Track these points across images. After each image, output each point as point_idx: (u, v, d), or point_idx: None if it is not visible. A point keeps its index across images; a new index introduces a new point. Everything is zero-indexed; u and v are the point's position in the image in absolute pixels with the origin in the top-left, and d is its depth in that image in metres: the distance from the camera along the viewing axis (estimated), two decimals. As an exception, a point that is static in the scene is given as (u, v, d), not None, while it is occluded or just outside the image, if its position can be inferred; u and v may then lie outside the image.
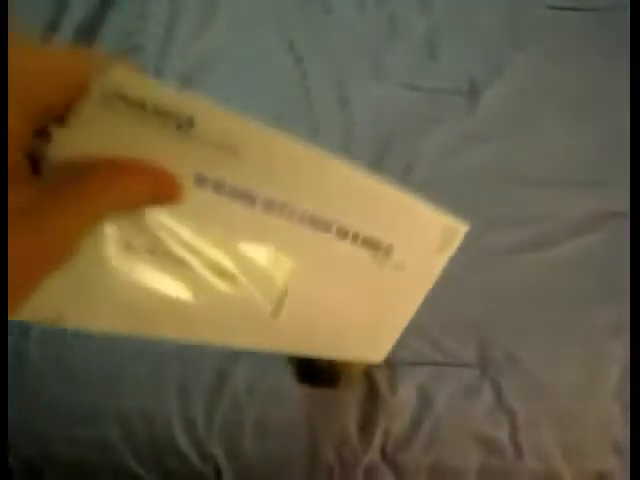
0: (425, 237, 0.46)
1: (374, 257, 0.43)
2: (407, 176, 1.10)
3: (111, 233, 0.31)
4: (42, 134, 0.26)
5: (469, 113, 1.19)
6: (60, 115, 0.26)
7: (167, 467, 0.92)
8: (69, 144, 0.27)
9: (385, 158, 1.11)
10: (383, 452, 0.91)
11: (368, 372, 0.93)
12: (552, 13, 1.32)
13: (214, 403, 0.92)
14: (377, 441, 0.90)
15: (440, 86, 1.22)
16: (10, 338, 0.93)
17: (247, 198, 0.34)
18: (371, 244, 0.42)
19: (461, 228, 0.48)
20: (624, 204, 0.99)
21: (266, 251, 0.38)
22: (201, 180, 0.32)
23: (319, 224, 0.38)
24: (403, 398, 0.92)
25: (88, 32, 1.28)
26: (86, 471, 0.94)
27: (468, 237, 1.04)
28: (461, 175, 1.11)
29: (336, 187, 0.38)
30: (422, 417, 0.91)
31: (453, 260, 1.02)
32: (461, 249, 1.03)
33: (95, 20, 1.29)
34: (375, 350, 0.53)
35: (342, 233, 0.40)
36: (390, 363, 0.94)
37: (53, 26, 1.24)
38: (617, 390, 0.90)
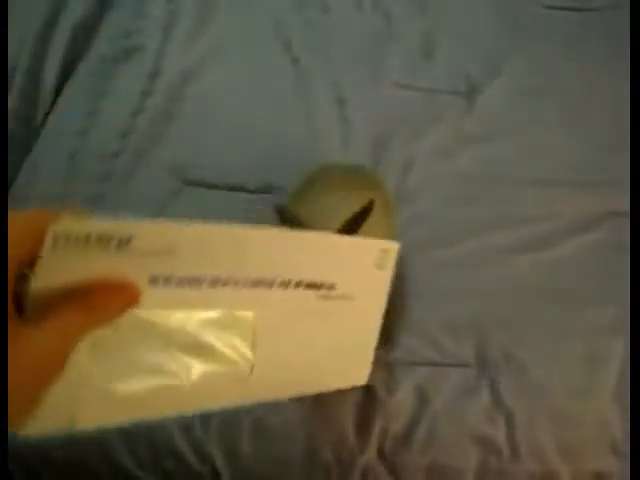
0: (362, 264, 0.51)
1: (319, 295, 0.48)
2: (405, 176, 1.09)
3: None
4: (22, 278, 0.34)
5: (467, 113, 1.18)
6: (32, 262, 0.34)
7: (165, 468, 0.92)
8: (42, 282, 0.34)
9: (383, 158, 1.10)
10: (380, 452, 0.90)
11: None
12: (550, 13, 1.32)
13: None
14: (374, 441, 0.90)
15: (437, 86, 1.22)
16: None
17: (195, 282, 0.40)
18: (313, 285, 0.47)
19: (393, 247, 0.52)
20: (624, 204, 0.99)
21: (227, 315, 0.44)
22: (153, 280, 0.38)
23: (262, 283, 0.44)
24: (400, 398, 0.91)
25: (86, 31, 1.28)
26: (84, 472, 0.94)
27: (467, 236, 1.04)
28: (459, 175, 1.11)
29: (265, 250, 0.44)
30: (419, 417, 0.90)
31: (451, 260, 1.02)
32: (459, 248, 1.03)
33: (93, 19, 1.30)
34: (355, 374, 0.58)
35: (285, 284, 0.45)
36: (387, 363, 0.93)
37: (52, 24, 1.24)
38: (616, 390, 0.89)
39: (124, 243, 0.37)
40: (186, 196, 1.08)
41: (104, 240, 0.36)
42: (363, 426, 0.90)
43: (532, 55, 1.25)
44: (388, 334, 0.96)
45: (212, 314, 0.44)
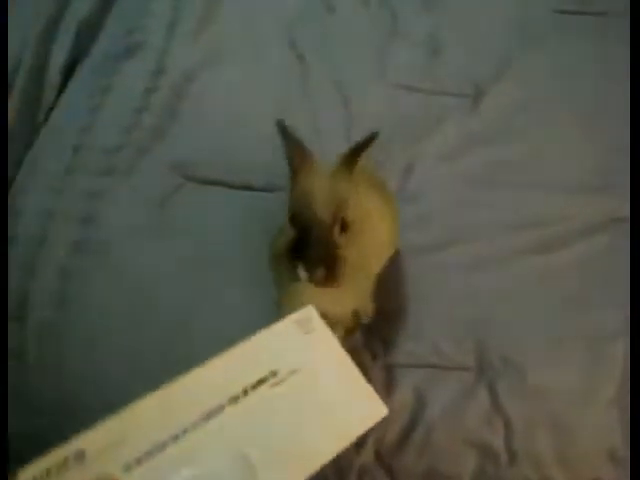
0: (289, 341, 0.61)
1: (270, 385, 0.58)
2: (407, 177, 1.08)
3: None
4: None
5: (473, 114, 1.17)
6: None
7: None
8: None
9: (386, 159, 1.09)
10: (377, 455, 0.89)
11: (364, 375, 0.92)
12: (560, 17, 1.31)
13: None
14: (371, 443, 0.89)
15: (442, 88, 1.21)
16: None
17: (160, 446, 0.50)
18: (259, 382, 0.58)
19: (308, 314, 0.63)
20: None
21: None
22: (126, 468, 0.48)
23: (213, 412, 0.55)
24: (399, 400, 0.90)
25: (90, 28, 1.27)
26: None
27: (470, 240, 1.03)
28: (464, 177, 1.09)
29: (197, 389, 0.56)
30: (417, 420, 0.89)
31: (453, 263, 1.01)
32: (461, 251, 1.02)
33: (97, 16, 1.29)
34: (369, 412, 0.61)
35: (235, 398, 0.56)
36: (386, 365, 0.92)
37: (56, 21, 1.23)
38: (616, 396, 0.88)
39: (80, 457, 0.46)
40: (187, 192, 1.07)
41: (63, 465, 0.44)
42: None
43: (542, 59, 1.24)
44: (387, 336, 0.95)
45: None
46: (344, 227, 0.70)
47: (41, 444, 0.93)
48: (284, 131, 0.74)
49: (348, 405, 0.60)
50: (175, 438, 0.52)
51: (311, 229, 0.68)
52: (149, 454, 0.50)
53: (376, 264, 0.84)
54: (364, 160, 0.72)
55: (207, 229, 1.03)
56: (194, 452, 0.53)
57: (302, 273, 0.69)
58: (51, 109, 1.18)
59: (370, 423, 0.60)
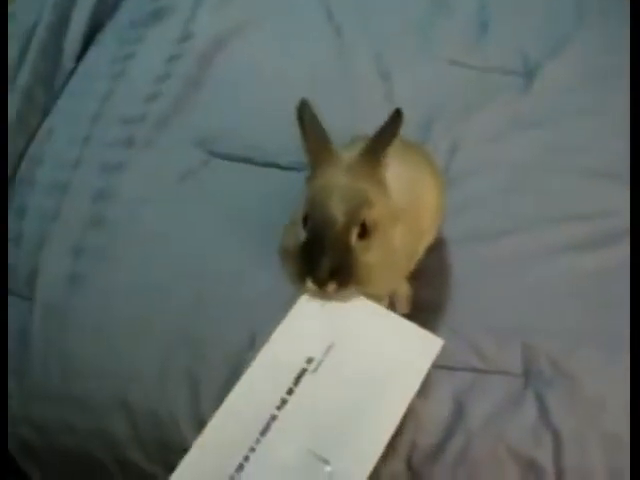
0: (312, 319, 0.60)
1: (312, 374, 0.58)
2: (451, 158, 0.98)
3: None
4: None
5: (524, 95, 1.06)
6: None
7: (174, 462, 0.84)
8: None
9: (429, 139, 0.98)
10: (409, 463, 0.80)
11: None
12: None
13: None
14: (402, 451, 0.79)
15: (492, 64, 1.09)
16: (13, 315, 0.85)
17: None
18: (299, 377, 0.57)
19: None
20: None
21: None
22: None
23: (267, 424, 0.56)
24: (435, 406, 0.81)
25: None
26: (87, 460, 0.85)
27: (516, 230, 0.92)
28: (512, 162, 0.98)
29: (251, 403, 0.58)
30: (454, 429, 0.79)
31: (497, 256, 0.90)
32: (507, 243, 0.91)
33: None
34: (427, 349, 0.59)
35: (282, 404, 0.57)
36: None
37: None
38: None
39: None
40: (213, 168, 0.98)
41: None
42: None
43: (597, 35, 1.12)
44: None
45: None
46: (365, 231, 0.59)
47: (42, 431, 0.88)
48: (304, 116, 0.63)
49: (400, 352, 0.57)
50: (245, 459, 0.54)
51: (323, 233, 0.58)
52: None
53: (419, 240, 0.74)
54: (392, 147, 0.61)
55: (230, 208, 0.94)
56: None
57: (310, 285, 0.58)
58: (70, 75, 1.09)
59: (430, 360, 0.58)
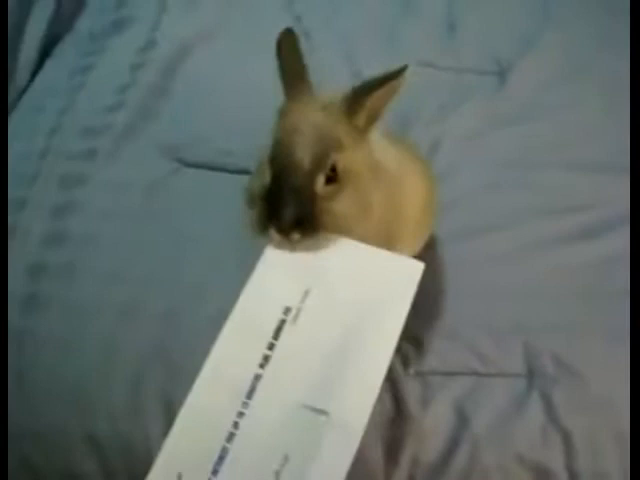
0: (282, 267, 0.54)
1: (292, 323, 0.51)
2: (433, 157, 0.93)
3: None
4: None
5: (498, 93, 1.03)
6: None
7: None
8: None
9: (408, 137, 0.94)
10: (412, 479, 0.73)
11: (394, 384, 0.76)
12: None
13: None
14: (404, 468, 0.72)
15: (464, 65, 1.06)
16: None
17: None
18: (279, 329, 0.51)
19: (272, 234, 0.53)
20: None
21: None
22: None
23: (253, 384, 0.50)
24: (436, 415, 0.74)
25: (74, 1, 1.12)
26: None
27: (505, 226, 0.88)
28: (493, 159, 0.94)
29: (233, 363, 0.51)
30: (458, 439, 0.72)
31: (490, 253, 0.85)
32: (497, 239, 0.87)
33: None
34: (409, 275, 0.53)
35: (265, 361, 0.51)
36: (421, 373, 0.76)
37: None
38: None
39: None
40: (182, 177, 0.91)
41: None
42: (391, 449, 0.73)
43: (565, 36, 1.10)
44: (420, 337, 0.79)
45: None
46: (335, 176, 0.53)
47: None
48: (284, 44, 0.58)
49: (380, 283, 0.52)
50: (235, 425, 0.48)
51: (287, 178, 0.52)
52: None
53: (408, 238, 0.68)
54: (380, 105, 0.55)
55: (201, 217, 0.86)
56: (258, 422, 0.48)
57: (273, 235, 0.52)
58: (24, 91, 1.01)
59: (413, 286, 0.52)
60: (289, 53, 0.58)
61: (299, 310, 0.51)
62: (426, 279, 0.82)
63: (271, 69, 1.04)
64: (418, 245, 0.75)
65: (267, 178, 0.54)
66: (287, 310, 0.52)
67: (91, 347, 0.77)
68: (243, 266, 0.78)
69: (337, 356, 0.50)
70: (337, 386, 0.48)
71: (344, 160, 0.53)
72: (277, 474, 0.46)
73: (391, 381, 0.76)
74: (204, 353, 0.76)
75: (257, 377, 0.49)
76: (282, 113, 0.57)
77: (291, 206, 0.51)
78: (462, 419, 0.74)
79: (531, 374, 0.76)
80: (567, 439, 0.72)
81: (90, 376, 0.75)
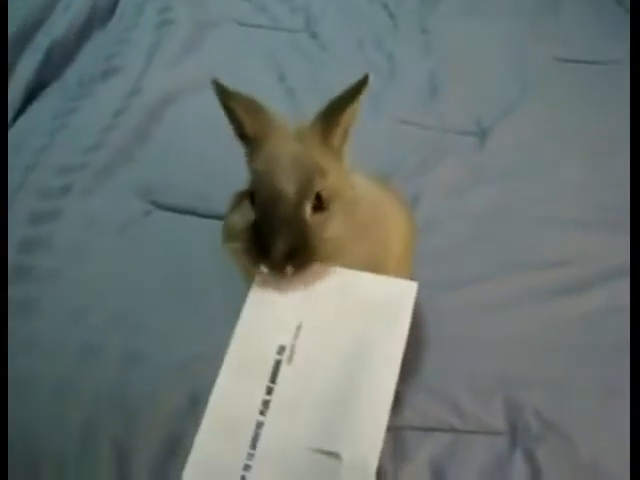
0: (270, 304, 0.50)
1: (287, 363, 0.48)
2: (414, 210, 0.90)
3: None
4: None
5: (479, 151, 1.02)
6: None
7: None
8: None
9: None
10: None
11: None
12: (561, 65, 1.20)
13: (165, 471, 0.65)
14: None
15: (445, 125, 1.06)
16: None
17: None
18: (276, 370, 0.48)
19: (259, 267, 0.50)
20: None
21: None
22: None
23: (258, 429, 0.46)
24: (411, 474, 0.67)
25: (65, 51, 1.11)
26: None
27: (483, 279, 0.84)
28: (472, 213, 0.92)
29: (235, 409, 0.48)
30: (435, 502, 0.65)
31: (468, 305, 0.81)
32: (476, 292, 0.83)
33: (74, 40, 1.13)
34: (404, 297, 0.50)
35: (265, 406, 0.47)
36: (395, 428, 0.69)
37: (26, 36, 1.07)
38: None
39: None
40: (155, 220, 0.87)
41: None
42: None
43: (543, 102, 1.11)
44: (396, 393, 0.72)
45: None
46: (321, 203, 0.50)
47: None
48: (224, 92, 0.55)
49: (374, 309, 0.48)
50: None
51: (274, 210, 0.49)
52: None
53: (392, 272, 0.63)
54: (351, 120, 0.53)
55: (172, 260, 0.82)
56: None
57: (264, 270, 0.48)
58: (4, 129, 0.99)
59: (410, 307, 0.49)
60: (231, 96, 0.55)
61: (293, 347, 0.48)
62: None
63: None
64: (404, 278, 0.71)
65: (250, 212, 0.50)
66: (281, 349, 0.48)
67: (45, 387, 0.70)
68: (212, 313, 0.74)
69: (339, 391, 0.46)
70: (343, 423, 0.44)
71: (328, 185, 0.50)
72: None
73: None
74: (165, 401, 0.71)
75: (259, 425, 0.46)
76: (252, 155, 0.54)
77: (283, 239, 0.47)
78: (439, 479, 0.66)
79: (513, 431, 0.69)
80: (554, 505, 0.65)
81: (40, 418, 0.68)
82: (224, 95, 0.55)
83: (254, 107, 0.54)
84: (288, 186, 0.49)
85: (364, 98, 0.53)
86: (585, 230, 0.89)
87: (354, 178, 0.56)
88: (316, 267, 0.49)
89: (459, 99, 1.11)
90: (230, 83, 1.09)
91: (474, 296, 0.81)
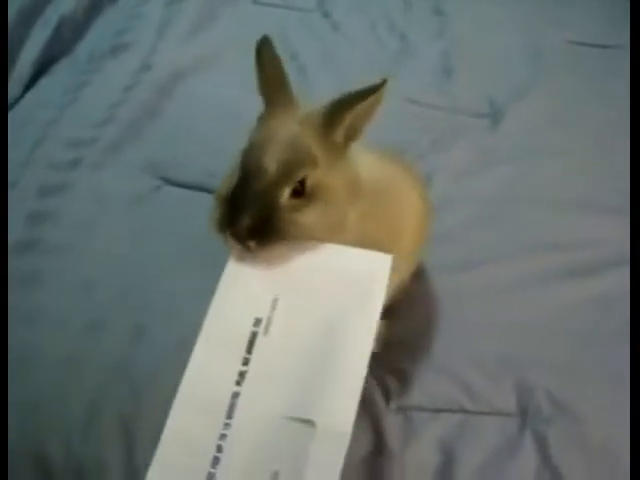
0: (246, 277, 0.50)
1: (264, 334, 0.48)
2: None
3: None
4: None
5: (491, 134, 1.00)
6: None
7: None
8: None
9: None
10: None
11: (374, 419, 0.67)
12: (573, 48, 1.17)
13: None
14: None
15: (458, 106, 1.04)
16: None
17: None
18: (252, 342, 0.48)
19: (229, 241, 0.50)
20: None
21: None
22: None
23: (233, 401, 0.46)
24: (419, 455, 0.65)
25: (75, 26, 1.09)
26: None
27: (495, 261, 0.82)
28: (484, 196, 0.90)
29: (209, 382, 0.48)
30: (443, 481, 0.64)
31: (479, 287, 0.79)
32: (488, 274, 0.81)
33: (84, 16, 1.11)
34: (378, 270, 0.50)
35: (241, 377, 0.47)
36: (403, 408, 0.68)
37: (35, 11, 1.05)
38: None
39: None
40: (165, 195, 0.86)
41: None
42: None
43: (557, 85, 1.09)
44: (404, 371, 0.71)
45: None
46: (303, 191, 0.49)
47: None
48: (263, 52, 0.53)
49: (349, 281, 0.49)
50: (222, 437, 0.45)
51: (250, 185, 0.48)
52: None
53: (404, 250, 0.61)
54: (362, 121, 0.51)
55: (180, 237, 0.80)
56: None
57: (229, 239, 0.49)
58: (15, 103, 0.97)
59: (384, 280, 0.49)
60: (268, 60, 0.53)
61: (270, 320, 0.48)
62: (415, 311, 0.77)
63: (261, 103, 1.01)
64: (416, 257, 0.69)
65: (235, 180, 0.50)
66: (257, 321, 0.48)
67: (51, 360, 0.69)
68: (215, 288, 0.73)
69: (314, 362, 0.46)
70: (318, 392, 0.45)
71: (316, 177, 0.49)
72: None
73: (371, 415, 0.68)
74: (169, 377, 0.69)
75: (235, 395, 0.46)
76: (260, 120, 0.53)
77: (248, 213, 0.48)
78: (448, 460, 0.65)
79: (524, 413, 0.68)
80: (564, 488, 0.63)
81: (46, 391, 0.67)
82: (265, 53, 0.53)
83: (281, 80, 0.53)
84: (271, 164, 0.48)
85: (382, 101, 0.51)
86: (597, 214, 0.87)
87: (363, 168, 0.54)
88: (282, 246, 0.49)
89: (472, 81, 1.08)
90: (241, 61, 1.07)
91: (484, 278, 0.79)
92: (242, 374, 0.46)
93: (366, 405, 0.68)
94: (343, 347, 0.46)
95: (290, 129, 0.50)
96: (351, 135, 0.52)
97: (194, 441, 0.45)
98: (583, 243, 0.84)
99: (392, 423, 0.67)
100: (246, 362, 0.47)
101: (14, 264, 0.74)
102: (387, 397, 0.69)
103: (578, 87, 1.08)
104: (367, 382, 0.68)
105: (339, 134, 0.51)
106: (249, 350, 0.47)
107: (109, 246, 0.79)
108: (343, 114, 0.50)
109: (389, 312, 0.72)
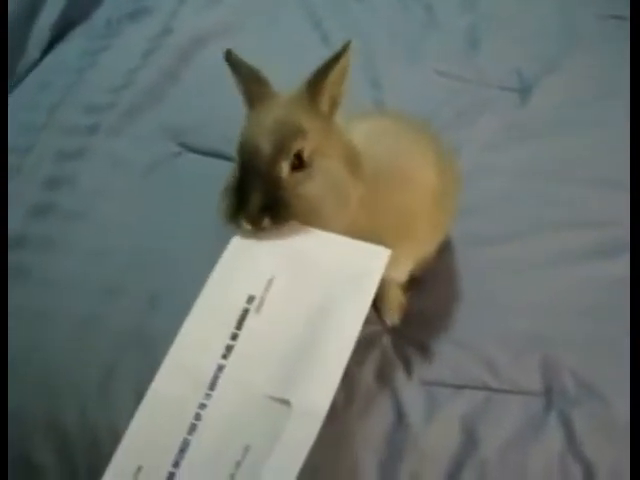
0: (246, 257, 0.51)
1: (255, 312, 0.48)
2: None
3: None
4: None
5: (520, 108, 0.96)
6: None
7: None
8: None
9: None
10: (408, 506, 0.61)
11: (394, 392, 0.65)
12: (604, 22, 1.12)
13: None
14: (404, 486, 0.61)
15: (485, 79, 1.00)
16: None
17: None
18: (242, 319, 0.48)
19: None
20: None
21: None
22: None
23: (216, 374, 0.47)
24: (440, 432, 0.63)
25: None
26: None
27: (523, 236, 0.79)
28: (512, 169, 0.86)
29: (196, 351, 0.48)
30: (464, 461, 0.61)
31: (506, 261, 0.76)
32: (515, 249, 0.78)
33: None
34: (374, 262, 0.50)
35: (228, 351, 0.47)
36: (426, 382, 0.65)
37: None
38: None
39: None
40: (183, 161, 0.83)
41: None
42: (388, 465, 0.61)
43: (587, 59, 1.04)
44: (427, 344, 0.68)
45: None
46: (301, 162, 0.51)
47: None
48: (234, 61, 0.58)
49: (344, 271, 0.49)
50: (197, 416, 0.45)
51: (252, 167, 0.51)
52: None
53: (419, 234, 0.61)
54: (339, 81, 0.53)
55: (197, 203, 0.77)
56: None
57: (243, 224, 0.50)
58: (33, 67, 0.94)
59: (378, 273, 0.49)
60: (238, 63, 0.58)
61: (263, 299, 0.49)
62: (438, 284, 0.74)
63: (286, 68, 0.98)
64: (434, 240, 0.66)
65: (235, 173, 0.53)
66: (251, 299, 0.49)
67: (66, 324, 0.67)
68: None
69: (300, 345, 0.47)
70: (300, 375, 0.45)
71: (309, 146, 0.52)
72: (238, 464, 0.43)
73: (392, 388, 0.65)
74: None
75: (220, 368, 0.47)
76: (247, 117, 0.56)
77: (257, 193, 0.50)
78: (470, 439, 0.63)
79: (549, 393, 0.65)
80: (588, 471, 0.60)
81: (61, 356, 0.66)
82: (233, 64, 0.58)
83: (255, 77, 0.57)
84: (265, 145, 0.51)
85: (350, 68, 0.54)
86: (622, 192, 0.83)
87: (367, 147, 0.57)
88: (294, 224, 0.51)
89: (500, 54, 1.04)
90: (262, 26, 1.04)
91: (510, 253, 0.76)
92: (229, 348, 0.47)
93: (385, 378, 0.66)
94: (329, 334, 0.46)
95: (277, 111, 0.53)
96: (334, 103, 0.54)
97: (174, 406, 0.46)
98: (612, 221, 0.80)
99: (414, 397, 0.65)
100: (234, 337, 0.47)
101: (30, 228, 0.72)
102: (408, 371, 0.67)
103: (609, 62, 1.03)
104: (386, 354, 0.68)
105: (324, 103, 0.53)
106: (239, 326, 0.48)
107: (125, 211, 0.77)
108: (323, 82, 0.53)
109: (412, 284, 0.70)
